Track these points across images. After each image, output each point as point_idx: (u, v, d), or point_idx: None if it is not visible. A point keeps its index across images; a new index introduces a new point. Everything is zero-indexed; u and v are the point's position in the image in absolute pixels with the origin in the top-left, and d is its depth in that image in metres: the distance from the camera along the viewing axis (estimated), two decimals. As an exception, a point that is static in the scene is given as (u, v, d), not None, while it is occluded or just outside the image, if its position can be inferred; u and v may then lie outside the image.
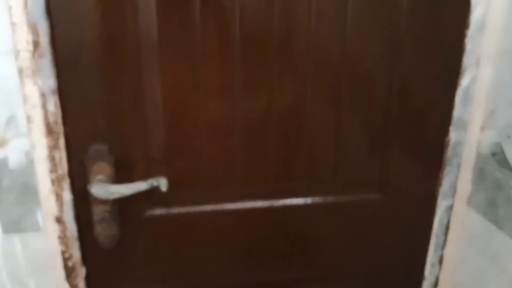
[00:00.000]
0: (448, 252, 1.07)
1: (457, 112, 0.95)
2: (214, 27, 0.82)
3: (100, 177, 0.83)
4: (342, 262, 1.05)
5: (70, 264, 0.90)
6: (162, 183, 0.81)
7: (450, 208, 1.03)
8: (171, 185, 0.85)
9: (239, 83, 0.86)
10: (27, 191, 0.82)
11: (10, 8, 0.73)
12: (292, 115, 0.91)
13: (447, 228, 1.05)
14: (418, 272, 1.10)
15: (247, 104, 0.88)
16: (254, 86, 0.87)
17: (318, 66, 0.87)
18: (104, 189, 0.80)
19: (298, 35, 0.85)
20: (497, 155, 0.91)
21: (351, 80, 0.90)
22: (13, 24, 0.73)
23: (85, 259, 0.92)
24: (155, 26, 0.79)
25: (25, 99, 0.77)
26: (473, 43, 0.89)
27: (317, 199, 0.97)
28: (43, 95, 0.77)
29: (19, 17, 0.73)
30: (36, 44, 0.75)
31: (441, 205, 1.03)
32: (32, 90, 0.77)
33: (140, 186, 0.81)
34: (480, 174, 0.97)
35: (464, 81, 0.92)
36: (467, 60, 0.90)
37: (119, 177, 0.85)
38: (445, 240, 1.07)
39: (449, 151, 0.98)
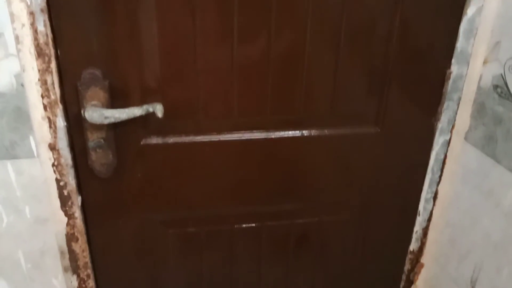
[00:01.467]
0: (443, 188, 1.08)
1: (460, 44, 0.92)
2: None
3: (94, 102, 0.80)
4: (337, 194, 1.05)
5: (65, 192, 0.89)
6: (158, 109, 0.79)
7: (447, 143, 1.03)
8: (167, 114, 0.83)
9: (240, 18, 0.83)
10: (19, 116, 0.80)
11: None
12: (291, 51, 0.88)
13: (443, 164, 1.05)
14: (412, 207, 1.11)
15: (248, 39, 0.85)
16: (255, 23, 0.84)
17: (319, 5, 0.84)
18: (98, 113, 0.78)
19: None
20: (499, 88, 0.90)
21: (350, 11, 0.87)
22: None
23: (81, 188, 0.91)
24: None
25: (12, 17, 0.73)
26: (481, -30, 0.86)
27: (314, 132, 0.96)
28: (31, 14, 0.74)
29: None
30: (22, -43, 0.70)
31: (438, 140, 1.02)
32: (20, 8, 0.73)
33: (135, 111, 0.79)
34: (480, 109, 0.96)
35: (470, 11, 0.90)
36: (473, -13, 0.87)
37: (114, 106, 0.83)
38: (440, 176, 1.07)
39: (450, 85, 0.96)
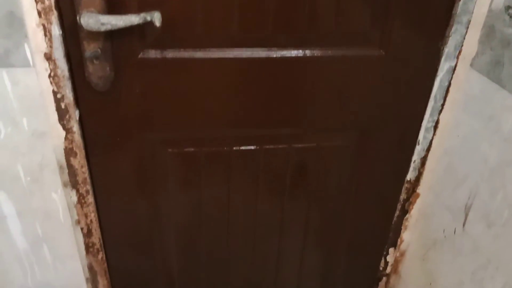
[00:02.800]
0: (444, 117, 1.07)
1: (474, -40, 0.88)
2: None
3: (90, 9, 0.77)
4: (336, 119, 1.04)
5: (62, 105, 0.88)
6: (156, 17, 0.76)
7: (453, 70, 1.01)
8: (165, 25, 0.80)
9: None
10: (12, 22, 0.77)
11: None
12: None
13: (446, 91, 1.04)
14: (412, 136, 1.11)
15: None
16: None
17: None
18: (94, 19, 0.75)
19: None
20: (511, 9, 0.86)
21: None
22: None
23: (78, 101, 0.90)
24: None
25: None
26: None
27: (316, 52, 0.93)
28: None
29: None
30: None
31: (444, 66, 1.00)
32: None
33: (132, 18, 0.76)
34: (488, 32, 0.93)
35: None
36: None
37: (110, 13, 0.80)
38: (443, 105, 1.06)
39: (459, 7, 0.93)
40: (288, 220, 1.22)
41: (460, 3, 0.92)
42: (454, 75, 1.01)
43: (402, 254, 1.34)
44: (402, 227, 1.28)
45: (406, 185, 1.20)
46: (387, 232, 1.30)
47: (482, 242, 0.98)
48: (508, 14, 0.87)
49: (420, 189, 1.20)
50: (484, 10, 0.92)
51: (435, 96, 1.04)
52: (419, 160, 1.15)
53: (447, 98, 1.04)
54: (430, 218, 1.19)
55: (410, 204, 1.23)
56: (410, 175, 1.18)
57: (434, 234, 1.16)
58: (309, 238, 1.28)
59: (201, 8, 0.84)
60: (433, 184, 1.16)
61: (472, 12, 0.93)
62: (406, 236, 1.30)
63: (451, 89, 1.03)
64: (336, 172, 1.15)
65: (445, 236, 1.12)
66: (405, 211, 1.25)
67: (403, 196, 1.22)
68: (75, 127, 0.91)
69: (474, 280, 1.01)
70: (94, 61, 0.82)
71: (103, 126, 0.94)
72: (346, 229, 1.28)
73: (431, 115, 1.07)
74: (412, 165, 1.16)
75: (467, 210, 1.03)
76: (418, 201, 1.23)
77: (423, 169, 1.17)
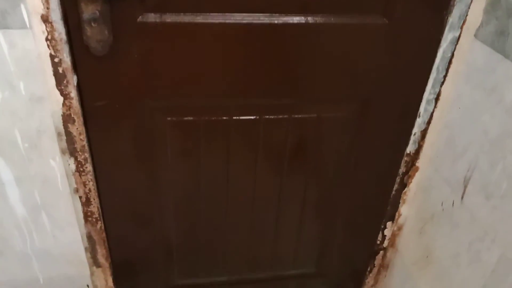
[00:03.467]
0: (446, 89, 1.06)
1: None
2: None
3: (87, -31, 0.75)
4: (337, 89, 1.03)
5: (60, 70, 0.87)
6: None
7: (456, 40, 0.99)
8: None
9: None
10: (9, -18, 0.75)
11: None
12: None
13: (449, 62, 1.03)
14: (413, 109, 1.10)
15: None
16: None
17: None
18: (92, -21, 0.73)
19: None
20: (518, -23, 0.85)
21: None
22: None
23: (76, 66, 0.88)
24: None
25: None
26: None
27: (318, 19, 0.92)
28: None
29: None
30: None
31: (447, 37, 0.99)
32: None
33: (131, -21, 0.74)
34: (494, 2, 0.91)
35: None
36: None
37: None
38: (445, 76, 1.05)
39: (466, -25, 0.91)
40: (287, 191, 1.23)
41: (466, -29, 0.90)
42: (457, 46, 1.00)
43: (400, 228, 1.35)
44: (401, 201, 1.29)
45: (405, 158, 1.20)
46: (385, 206, 1.31)
47: (479, 214, 0.98)
48: (515, -18, 0.85)
49: (419, 163, 1.20)
50: (491, -22, 0.91)
51: (438, 67, 1.03)
52: (419, 133, 1.15)
53: (450, 70, 1.03)
54: (428, 192, 1.19)
55: (409, 178, 1.24)
56: (410, 148, 1.18)
57: (432, 207, 1.17)
58: (307, 210, 1.29)
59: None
60: (432, 157, 1.16)
61: (478, -19, 0.91)
62: (404, 210, 1.30)
63: (454, 60, 1.02)
64: (336, 144, 1.15)
65: (443, 209, 1.13)
66: (403, 185, 1.25)
67: (402, 169, 1.22)
68: (73, 93, 0.90)
69: (471, 252, 1.02)
70: (92, 24, 0.81)
71: (102, 93, 0.93)
72: (344, 202, 1.29)
73: (432, 87, 1.06)
74: (412, 138, 1.16)
75: (466, 182, 1.03)
76: (417, 174, 1.23)
77: (423, 142, 1.16)
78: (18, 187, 1.00)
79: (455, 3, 0.94)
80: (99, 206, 1.11)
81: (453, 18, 0.96)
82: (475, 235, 1.00)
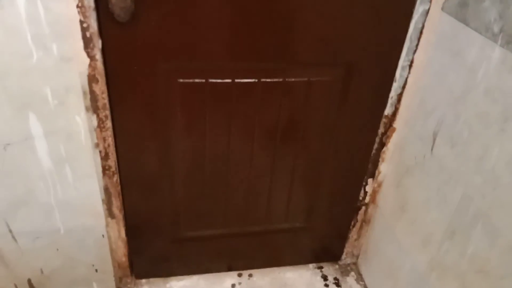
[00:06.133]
0: (418, 56, 1.23)
1: None
2: None
3: None
4: (324, 55, 1.19)
5: (88, 34, 1.00)
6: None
7: (426, 13, 1.16)
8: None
9: None
10: (47, -47, 0.88)
11: None
12: None
13: (420, 32, 1.19)
14: (389, 74, 1.26)
15: None
16: None
17: None
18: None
19: None
20: (476, -44, 1.01)
21: None
22: None
23: (102, 31, 1.02)
24: None
25: None
26: None
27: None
28: None
29: None
30: None
31: (419, 9, 1.15)
32: None
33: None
34: (457, -22, 1.07)
35: None
36: None
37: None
38: (417, 45, 1.21)
39: (433, -45, 1.07)
40: (280, 153, 1.38)
41: (434, -49, 1.06)
42: (427, 18, 1.16)
43: (380, 185, 1.52)
44: (380, 159, 1.45)
45: (384, 120, 1.37)
46: (366, 164, 1.47)
47: (446, 161, 1.15)
48: (474, -39, 1.01)
49: (396, 124, 1.37)
50: (454, -42, 1.07)
51: (411, 37, 1.19)
52: (395, 97, 1.31)
53: (421, 39, 1.20)
54: (404, 149, 1.36)
55: (387, 138, 1.40)
56: (388, 111, 1.35)
57: (407, 162, 1.34)
58: (297, 170, 1.44)
59: None
60: (407, 118, 1.33)
61: (444, -40, 1.08)
62: (383, 167, 1.47)
63: (424, 30, 1.18)
64: (323, 107, 1.31)
65: (416, 163, 1.30)
66: (382, 144, 1.42)
67: (381, 130, 1.39)
68: (98, 55, 1.04)
69: (439, 195, 1.19)
70: (118, -7, 0.95)
71: (123, 56, 1.07)
72: (329, 162, 1.44)
73: (407, 54, 1.23)
74: (389, 101, 1.32)
75: (434, 136, 1.20)
76: (394, 135, 1.39)
77: (399, 105, 1.33)
78: (46, 141, 1.12)
79: (425, -21, 1.10)
80: (116, 161, 1.25)
81: (424, -8, 1.12)
82: (442, 180, 1.17)
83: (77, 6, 0.96)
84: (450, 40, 1.11)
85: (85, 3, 0.96)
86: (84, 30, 0.99)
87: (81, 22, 0.98)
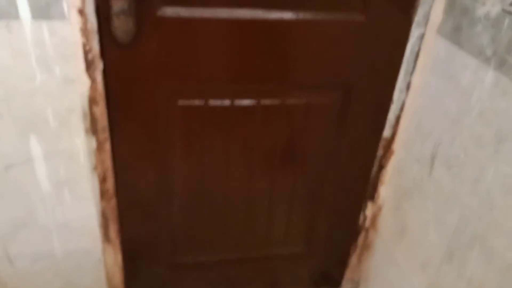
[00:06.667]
0: (415, 78, 1.25)
1: None
2: None
3: (119, -29, 0.92)
4: (323, 78, 1.21)
5: (90, 57, 1.02)
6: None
7: (422, 36, 1.18)
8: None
9: None
10: (55, -21, 0.91)
11: None
12: None
13: (417, 55, 1.21)
14: (387, 97, 1.28)
15: None
16: None
17: None
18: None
19: None
20: (468, -18, 1.04)
21: None
22: None
23: (103, 54, 1.04)
24: None
25: None
26: None
27: (306, 15, 1.09)
28: None
29: None
30: None
31: (414, 33, 1.18)
32: None
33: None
34: (451, 3, 1.10)
35: None
36: None
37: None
38: (414, 67, 1.23)
39: (425, -19, 1.10)
40: (279, 177, 1.38)
41: (426, -22, 1.10)
42: (423, 41, 1.19)
43: (379, 208, 1.52)
44: (379, 182, 1.45)
45: (382, 142, 1.37)
46: (366, 187, 1.47)
47: (443, 184, 1.16)
48: (466, -13, 1.05)
49: (394, 146, 1.38)
50: (447, -16, 1.10)
51: (408, 60, 1.22)
52: (394, 119, 1.33)
53: (418, 62, 1.22)
54: (402, 171, 1.36)
55: (386, 160, 1.41)
56: (386, 133, 1.35)
57: (406, 184, 1.34)
58: (296, 193, 1.44)
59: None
60: (406, 141, 1.34)
61: (437, -14, 1.11)
62: (383, 190, 1.47)
63: (421, 53, 1.21)
64: (322, 129, 1.32)
65: (414, 185, 1.30)
66: (381, 167, 1.42)
67: (380, 152, 1.40)
68: (99, 78, 1.06)
69: (437, 217, 1.19)
70: (120, 16, 0.97)
71: (123, 77, 1.08)
72: (328, 185, 1.44)
73: (404, 77, 1.25)
74: (388, 123, 1.34)
75: (432, 158, 1.20)
76: (393, 157, 1.40)
77: (398, 127, 1.34)
78: (45, 163, 1.13)
79: (419, 4, 1.13)
80: (114, 184, 1.25)
81: (419, 17, 1.15)
82: (440, 202, 1.17)
83: (81, 29, 0.98)
84: (445, 63, 1.14)
85: (88, 26, 0.98)
86: (86, 52, 1.01)
87: (84, 45, 1.00)
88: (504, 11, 0.92)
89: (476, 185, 1.02)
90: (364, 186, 1.47)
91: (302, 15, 1.09)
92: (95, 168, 1.19)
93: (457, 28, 1.08)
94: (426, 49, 1.19)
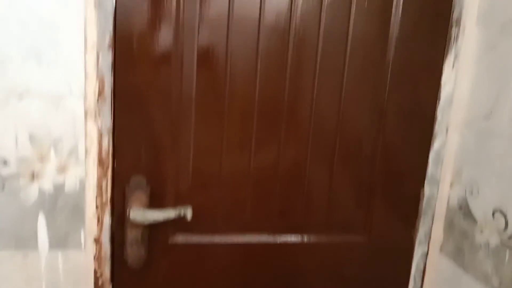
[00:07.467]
0: (425, 295, 1.23)
1: (430, 170, 1.16)
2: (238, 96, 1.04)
3: (137, 204, 1.00)
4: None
5: (100, 282, 1.03)
6: (188, 212, 0.98)
7: (426, 254, 1.20)
8: (192, 217, 1.02)
9: (254, 141, 1.07)
10: (76, 213, 0.98)
11: (85, 63, 0.94)
12: (295, 168, 1.10)
13: (423, 272, 1.22)
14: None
15: (261, 161, 1.08)
16: (265, 143, 1.07)
17: (317, 130, 1.09)
18: (141, 214, 0.97)
19: (302, 104, 1.07)
20: (463, 208, 1.11)
21: (343, 143, 1.11)
22: (86, 75, 0.94)
23: (113, 277, 1.06)
24: (194, 89, 1.01)
25: (86, 135, 0.96)
26: (443, 114, 1.12)
27: (312, 238, 1.14)
28: (100, 133, 0.97)
29: (91, 70, 0.94)
30: (101, 92, 0.95)
31: (418, 251, 1.20)
32: (93, 128, 0.96)
33: (170, 214, 0.98)
34: (449, 225, 1.16)
35: (436, 144, 1.14)
36: (438, 127, 1.13)
37: (150, 207, 1.02)
38: (422, 284, 1.23)
39: (424, 204, 1.17)
40: None
41: (424, 200, 1.17)
42: (427, 259, 1.20)
43: None
44: None
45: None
46: None
47: None
48: (462, 212, 1.11)
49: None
50: (444, 207, 1.17)
51: (414, 277, 1.22)
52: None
53: (425, 279, 1.22)
54: None
55: None
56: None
57: None
58: None
59: (221, 205, 1.07)
60: None
61: (435, 208, 1.17)
62: None
63: (426, 270, 1.21)
64: None
65: None
66: None
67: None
68: (106, 300, 1.05)
69: None
70: (133, 245, 1.01)
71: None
72: None
73: (413, 293, 1.23)
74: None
75: None
76: None
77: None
78: None
79: (419, 224, 1.18)
80: None
81: (420, 236, 1.19)
82: None
83: (94, 257, 1.01)
84: (452, 283, 1.13)
85: (102, 254, 1.02)
86: (97, 278, 1.03)
87: (95, 272, 1.02)
88: (503, 244, 0.95)
89: None
90: None
91: (307, 238, 1.13)
92: None
93: (460, 251, 1.11)
94: (432, 266, 1.20)
